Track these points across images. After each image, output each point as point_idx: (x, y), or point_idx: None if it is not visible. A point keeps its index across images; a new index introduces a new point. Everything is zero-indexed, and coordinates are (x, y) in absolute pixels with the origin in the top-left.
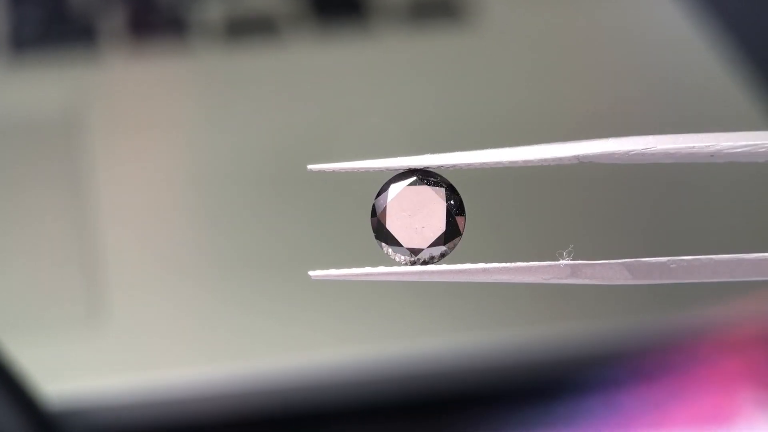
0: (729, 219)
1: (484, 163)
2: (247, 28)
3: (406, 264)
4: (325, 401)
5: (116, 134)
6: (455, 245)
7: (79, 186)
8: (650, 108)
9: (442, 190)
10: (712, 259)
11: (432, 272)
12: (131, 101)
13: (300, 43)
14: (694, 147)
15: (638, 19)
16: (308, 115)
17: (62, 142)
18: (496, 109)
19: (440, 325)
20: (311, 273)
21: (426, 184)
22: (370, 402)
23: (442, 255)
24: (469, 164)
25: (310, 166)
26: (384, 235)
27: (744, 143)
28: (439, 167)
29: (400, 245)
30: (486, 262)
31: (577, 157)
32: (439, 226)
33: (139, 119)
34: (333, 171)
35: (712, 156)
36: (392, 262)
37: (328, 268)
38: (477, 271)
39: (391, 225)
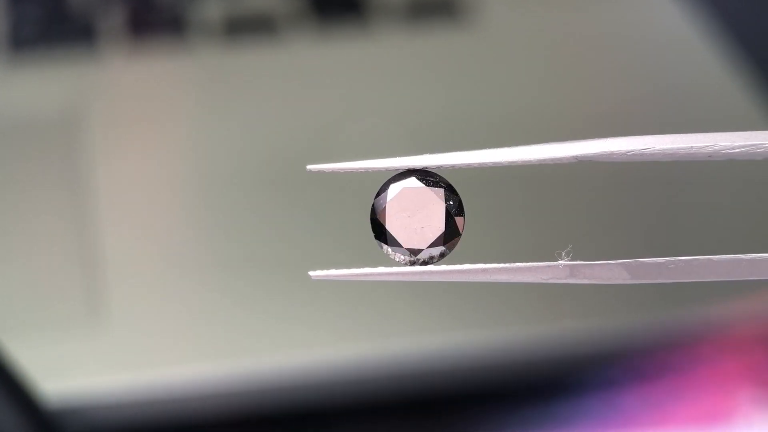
0: (728, 217)
1: (482, 163)
2: (246, 27)
3: (405, 264)
4: (325, 399)
5: (115, 133)
6: (455, 245)
7: (79, 185)
8: (650, 108)
9: (442, 191)
10: (710, 259)
11: (432, 272)
12: (130, 100)
13: (299, 42)
14: (692, 147)
15: (637, 18)
16: (307, 113)
17: (62, 141)
18: (495, 109)
19: (440, 324)
20: (311, 273)
21: (425, 184)
22: (369, 400)
23: (442, 255)
24: (468, 164)
25: (309, 167)
26: (383, 236)
27: (742, 143)
28: (438, 167)
29: (400, 245)
30: (485, 262)
31: (575, 157)
32: (439, 227)
33: (138, 118)
34: (332, 171)
35: (710, 156)
36: (392, 262)
37: (327, 266)
38: (476, 271)
39: (391, 225)
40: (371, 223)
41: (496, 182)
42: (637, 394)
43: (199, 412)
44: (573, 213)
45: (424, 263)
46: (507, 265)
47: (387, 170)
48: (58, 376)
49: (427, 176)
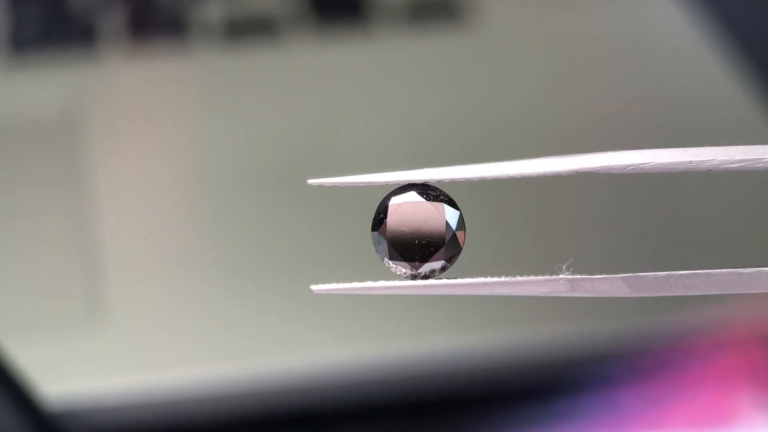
0: (729, 226)
1: (482, 177)
2: (246, 29)
3: (407, 277)
4: (325, 402)
5: (115, 134)
6: (455, 259)
7: (79, 186)
8: (650, 109)
9: (442, 205)
10: (710, 273)
11: (433, 286)
12: (131, 101)
13: (299, 44)
14: (691, 162)
15: (638, 20)
16: (308, 114)
17: (62, 142)
18: (495, 110)
19: (439, 326)
20: (313, 287)
21: (426, 198)
22: (370, 402)
23: (443, 268)
24: (468, 178)
25: (310, 181)
26: (384, 249)
27: (741, 157)
28: (439, 181)
29: (401, 259)
30: (486, 275)
31: (574, 171)
32: (440, 241)
33: (138, 119)
34: (333, 185)
35: (709, 170)
36: (393, 275)
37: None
38: (478, 285)
39: (392, 240)
40: (372, 238)
41: (496, 194)
42: (637, 393)
43: (199, 414)
44: (573, 224)
45: (426, 277)
46: (508, 279)
47: (387, 184)
48: (58, 378)
49: (427, 190)
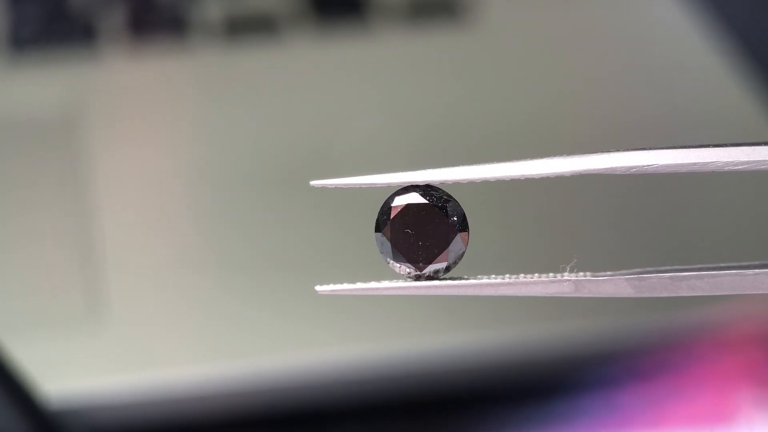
0: (733, 225)
1: (485, 178)
2: (246, 27)
3: (410, 278)
4: (325, 400)
5: (116, 133)
6: (459, 260)
7: (79, 184)
8: (651, 107)
9: (445, 206)
10: (714, 274)
11: (437, 287)
12: (131, 100)
13: (299, 42)
14: (695, 164)
15: (639, 18)
16: (308, 113)
17: (62, 141)
18: (496, 108)
19: (439, 324)
20: (318, 288)
21: (428, 199)
22: (370, 400)
23: (447, 269)
24: (471, 179)
25: (312, 182)
26: (388, 251)
27: (744, 159)
28: (442, 183)
29: (404, 261)
30: (490, 274)
31: (579, 173)
32: (443, 242)
33: (138, 118)
34: (335, 187)
35: (713, 171)
36: (397, 275)
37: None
38: (482, 285)
39: (395, 241)
40: (376, 239)
41: (498, 194)
42: (636, 393)
43: (200, 412)
44: (576, 224)
45: (429, 278)
46: (512, 279)
47: (389, 186)
48: (57, 376)
49: (430, 191)
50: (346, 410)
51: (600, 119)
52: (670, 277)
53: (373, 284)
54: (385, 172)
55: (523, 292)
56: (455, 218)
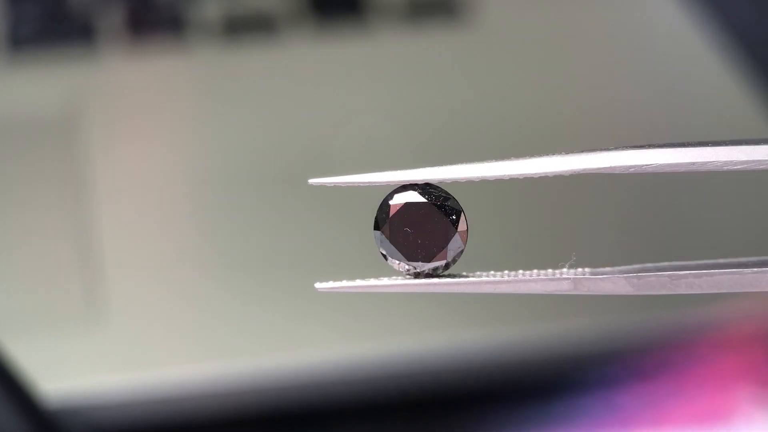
0: (733, 223)
1: (484, 177)
2: (244, 27)
3: (409, 275)
4: (326, 399)
5: (114, 132)
6: (458, 258)
7: (78, 183)
8: (650, 106)
9: (444, 204)
10: (713, 272)
11: (437, 284)
12: (129, 99)
13: (298, 41)
14: (694, 164)
15: (638, 17)
16: (306, 112)
17: (61, 140)
18: (495, 107)
19: (437, 322)
20: (317, 285)
21: (427, 198)
22: (371, 399)
23: (446, 266)
24: (469, 178)
25: (311, 180)
26: (387, 249)
27: (744, 158)
28: (440, 181)
29: (404, 259)
30: (489, 272)
31: (577, 172)
32: (442, 240)
33: (137, 117)
34: (334, 185)
35: (711, 170)
36: (396, 271)
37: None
38: (481, 283)
39: (394, 239)
40: (375, 237)
41: (497, 192)
42: (636, 393)
43: (200, 411)
44: (575, 221)
45: (429, 275)
46: (511, 277)
47: (388, 184)
48: (57, 375)
49: (429, 189)
50: (345, 408)
51: (599, 119)
52: (669, 276)
53: (372, 281)
54: (384, 171)
55: (522, 289)
56: (454, 217)
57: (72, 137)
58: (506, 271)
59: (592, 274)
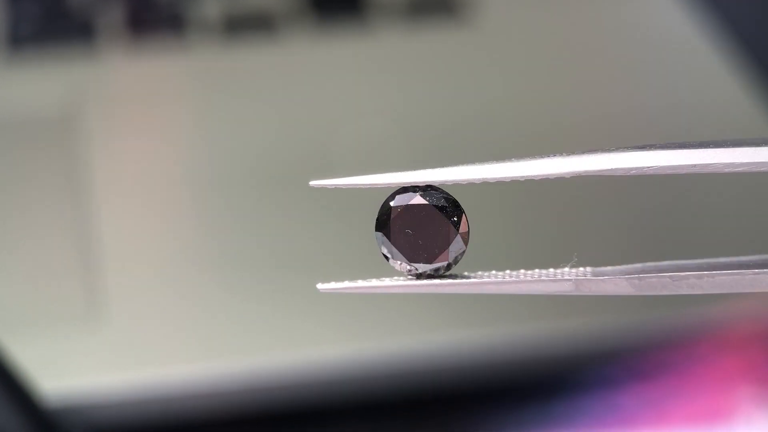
0: (734, 223)
1: (485, 179)
2: (244, 25)
3: (411, 276)
4: (325, 398)
5: (114, 131)
6: (460, 259)
7: (77, 182)
8: (650, 105)
9: (445, 206)
10: (714, 274)
11: (438, 285)
12: (129, 98)
13: (298, 40)
14: (695, 166)
15: (638, 16)
16: (306, 111)
17: (60, 139)
18: (494, 107)
19: (439, 322)
20: (319, 286)
21: (429, 199)
22: (370, 398)
23: (448, 266)
24: (470, 180)
25: (311, 182)
26: (388, 250)
27: (746, 161)
28: (441, 182)
29: (405, 260)
30: (490, 272)
31: (578, 174)
32: (443, 242)
33: (137, 116)
34: (335, 187)
35: (712, 172)
36: (398, 272)
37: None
38: (483, 284)
39: (395, 241)
40: (376, 238)
41: (498, 192)
42: (636, 393)
43: (200, 410)
44: (577, 222)
45: (430, 276)
46: (513, 278)
47: (389, 186)
48: (56, 374)
49: (430, 190)
50: (346, 408)
51: (600, 118)
52: (671, 276)
53: (374, 282)
54: (384, 171)
55: (524, 290)
56: (455, 218)
57: (72, 136)
58: (508, 272)
59: (593, 274)
